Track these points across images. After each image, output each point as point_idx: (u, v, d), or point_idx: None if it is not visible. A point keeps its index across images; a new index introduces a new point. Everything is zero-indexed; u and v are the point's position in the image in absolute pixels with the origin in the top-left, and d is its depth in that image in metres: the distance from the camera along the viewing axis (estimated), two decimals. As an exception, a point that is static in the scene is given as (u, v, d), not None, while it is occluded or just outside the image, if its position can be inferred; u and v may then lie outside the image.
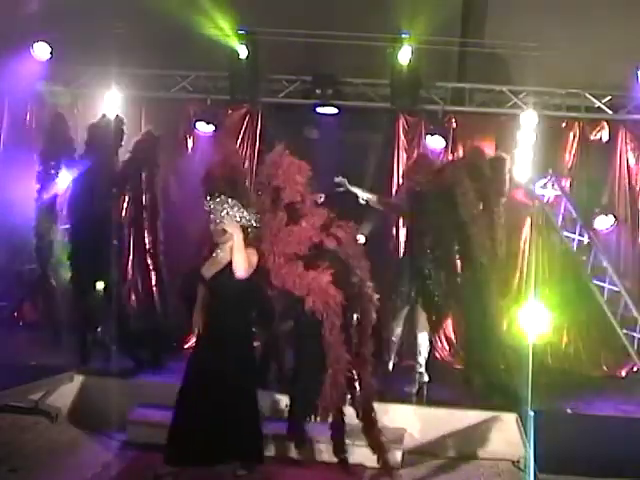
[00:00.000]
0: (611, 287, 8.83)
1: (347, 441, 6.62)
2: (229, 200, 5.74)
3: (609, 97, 9.22)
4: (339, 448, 6.37)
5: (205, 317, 5.87)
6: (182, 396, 5.73)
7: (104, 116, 8.11)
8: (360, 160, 10.24)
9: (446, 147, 9.38)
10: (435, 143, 9.26)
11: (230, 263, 5.65)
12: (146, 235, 8.34)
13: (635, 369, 8.86)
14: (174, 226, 8.68)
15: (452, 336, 9.14)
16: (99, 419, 6.90)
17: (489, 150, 9.29)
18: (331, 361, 5.93)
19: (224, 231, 5.66)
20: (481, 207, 7.36)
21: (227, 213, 5.66)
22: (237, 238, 5.62)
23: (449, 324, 8.89)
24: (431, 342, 7.88)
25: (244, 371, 5.78)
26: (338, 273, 5.93)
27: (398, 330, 7.75)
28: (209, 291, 5.85)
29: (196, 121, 9.52)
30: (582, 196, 9.23)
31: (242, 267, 5.61)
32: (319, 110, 9.55)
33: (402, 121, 9.47)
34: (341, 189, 7.94)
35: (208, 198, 5.86)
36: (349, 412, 7.15)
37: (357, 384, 6.13)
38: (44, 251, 8.18)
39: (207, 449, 5.65)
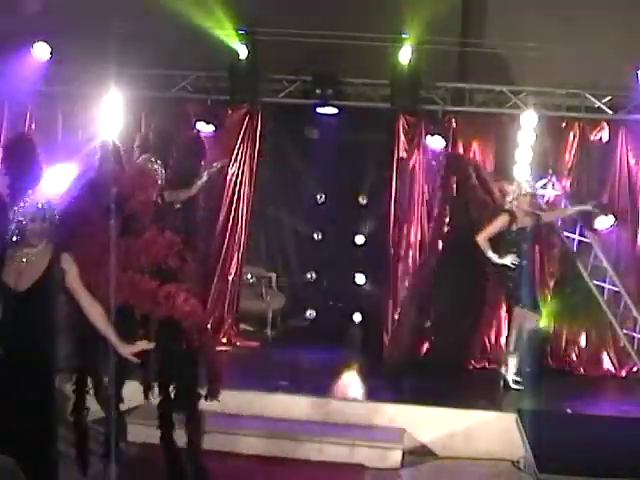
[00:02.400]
0: (611, 287, 8.83)
1: (347, 441, 6.63)
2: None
3: (609, 97, 9.19)
4: None
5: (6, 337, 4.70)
6: None
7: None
8: (360, 160, 10.27)
9: (446, 147, 9.36)
10: (435, 143, 9.24)
11: (47, 273, 4.69)
12: None
13: (635, 369, 8.85)
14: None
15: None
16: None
17: (489, 150, 9.34)
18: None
19: (49, 232, 4.77)
20: None
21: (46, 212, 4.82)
22: None
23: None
24: None
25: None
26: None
27: None
28: (18, 305, 4.67)
29: (196, 121, 9.51)
30: (582, 196, 9.23)
31: None
32: (319, 110, 9.54)
33: (402, 121, 9.43)
34: None
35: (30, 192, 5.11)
36: (347, 410, 7.19)
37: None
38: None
39: None
